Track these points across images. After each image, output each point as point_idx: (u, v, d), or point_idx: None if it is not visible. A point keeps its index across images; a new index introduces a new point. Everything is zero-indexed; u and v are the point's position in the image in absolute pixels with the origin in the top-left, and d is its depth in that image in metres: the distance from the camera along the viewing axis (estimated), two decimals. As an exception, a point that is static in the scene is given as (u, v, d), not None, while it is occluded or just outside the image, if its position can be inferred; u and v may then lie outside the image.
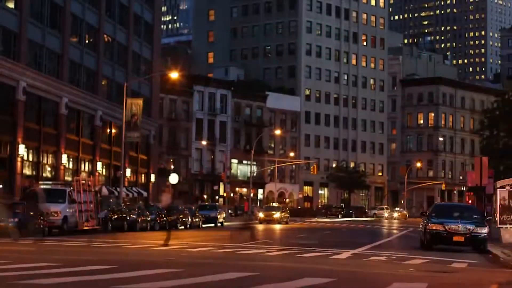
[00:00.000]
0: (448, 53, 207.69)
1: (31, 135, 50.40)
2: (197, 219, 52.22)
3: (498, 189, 32.34)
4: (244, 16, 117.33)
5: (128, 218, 40.56)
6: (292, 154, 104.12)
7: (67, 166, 56.47)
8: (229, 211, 78.68)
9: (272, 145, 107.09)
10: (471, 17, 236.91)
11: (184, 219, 49.57)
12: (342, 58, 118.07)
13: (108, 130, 65.20)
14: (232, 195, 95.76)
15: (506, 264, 20.34)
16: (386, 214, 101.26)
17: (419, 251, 25.99)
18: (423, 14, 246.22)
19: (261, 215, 62.08)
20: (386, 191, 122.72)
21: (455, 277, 16.06)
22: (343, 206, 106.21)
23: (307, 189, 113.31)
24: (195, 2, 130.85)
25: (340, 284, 13.00)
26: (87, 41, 61.37)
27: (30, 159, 51.81)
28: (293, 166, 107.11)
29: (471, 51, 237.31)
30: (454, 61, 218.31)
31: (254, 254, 21.74)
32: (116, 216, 39.37)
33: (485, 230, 27.11)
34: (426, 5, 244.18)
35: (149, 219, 43.69)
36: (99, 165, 61.44)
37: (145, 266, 14.80)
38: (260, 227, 50.56)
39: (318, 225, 63.45)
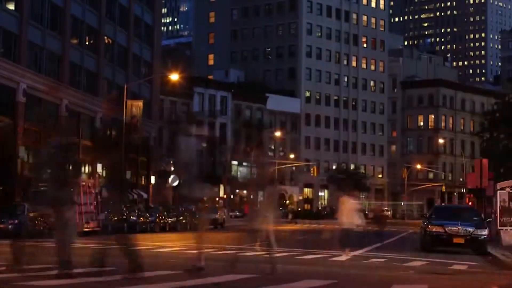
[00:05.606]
0: (448, 55, 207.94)
1: (31, 137, 50.38)
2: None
3: (498, 191, 32.33)
4: (244, 18, 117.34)
5: (128, 220, 40.62)
6: (292, 156, 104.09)
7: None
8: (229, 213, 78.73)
9: (272, 147, 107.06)
10: (471, 19, 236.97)
11: (183, 221, 49.55)
12: (342, 60, 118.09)
13: (108, 132, 65.18)
14: (232, 197, 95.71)
15: (506, 266, 20.32)
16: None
17: (419, 253, 25.97)
18: (423, 16, 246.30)
19: None
20: (386, 193, 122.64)
21: (455, 279, 16.05)
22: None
23: (307, 191, 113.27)
24: (196, 4, 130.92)
25: (340, 286, 12.99)
26: (87, 43, 61.40)
27: (30, 161, 51.78)
28: (293, 168, 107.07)
29: (471, 53, 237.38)
30: (454, 63, 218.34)
31: (254, 256, 21.71)
32: (116, 218, 39.35)
33: (485, 232, 27.11)
34: (426, 7, 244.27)
35: (149, 220, 43.76)
36: (99, 167, 61.41)
37: (146, 268, 14.77)
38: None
39: (319, 226, 63.34)
